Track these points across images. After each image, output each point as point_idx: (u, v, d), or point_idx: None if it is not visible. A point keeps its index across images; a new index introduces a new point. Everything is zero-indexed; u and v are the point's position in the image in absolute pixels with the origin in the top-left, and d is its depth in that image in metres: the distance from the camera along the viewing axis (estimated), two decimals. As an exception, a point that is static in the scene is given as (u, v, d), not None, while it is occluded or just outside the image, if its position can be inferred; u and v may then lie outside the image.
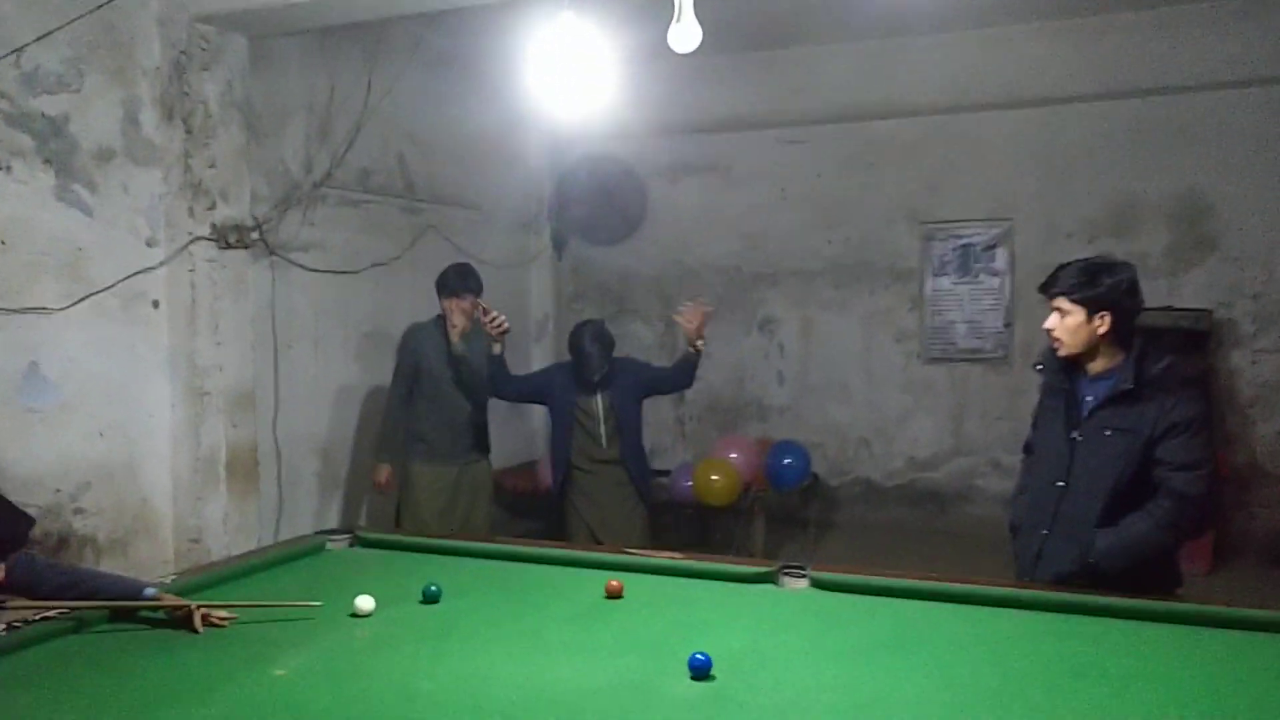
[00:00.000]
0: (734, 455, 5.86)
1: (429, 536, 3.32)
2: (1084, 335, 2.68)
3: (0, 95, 3.70)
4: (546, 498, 5.10)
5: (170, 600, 2.46)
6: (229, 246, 4.47)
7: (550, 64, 3.12)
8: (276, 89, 5.01)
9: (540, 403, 4.68)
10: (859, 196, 6.84)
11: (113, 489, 4.17)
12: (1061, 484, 2.70)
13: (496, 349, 4.30)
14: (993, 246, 6.57)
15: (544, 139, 7.21)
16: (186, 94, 4.34)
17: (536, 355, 7.21)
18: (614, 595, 2.61)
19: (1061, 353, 2.74)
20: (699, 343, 4.49)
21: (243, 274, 4.57)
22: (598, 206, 7.29)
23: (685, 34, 2.76)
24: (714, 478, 5.66)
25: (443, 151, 6.25)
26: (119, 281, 4.14)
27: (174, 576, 2.78)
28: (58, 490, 3.94)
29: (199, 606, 2.44)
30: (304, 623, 2.45)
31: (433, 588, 2.61)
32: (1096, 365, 2.72)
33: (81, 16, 3.89)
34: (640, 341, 7.43)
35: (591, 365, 4.29)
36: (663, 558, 2.89)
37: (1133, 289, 2.67)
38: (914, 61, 6.20)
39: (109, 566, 4.12)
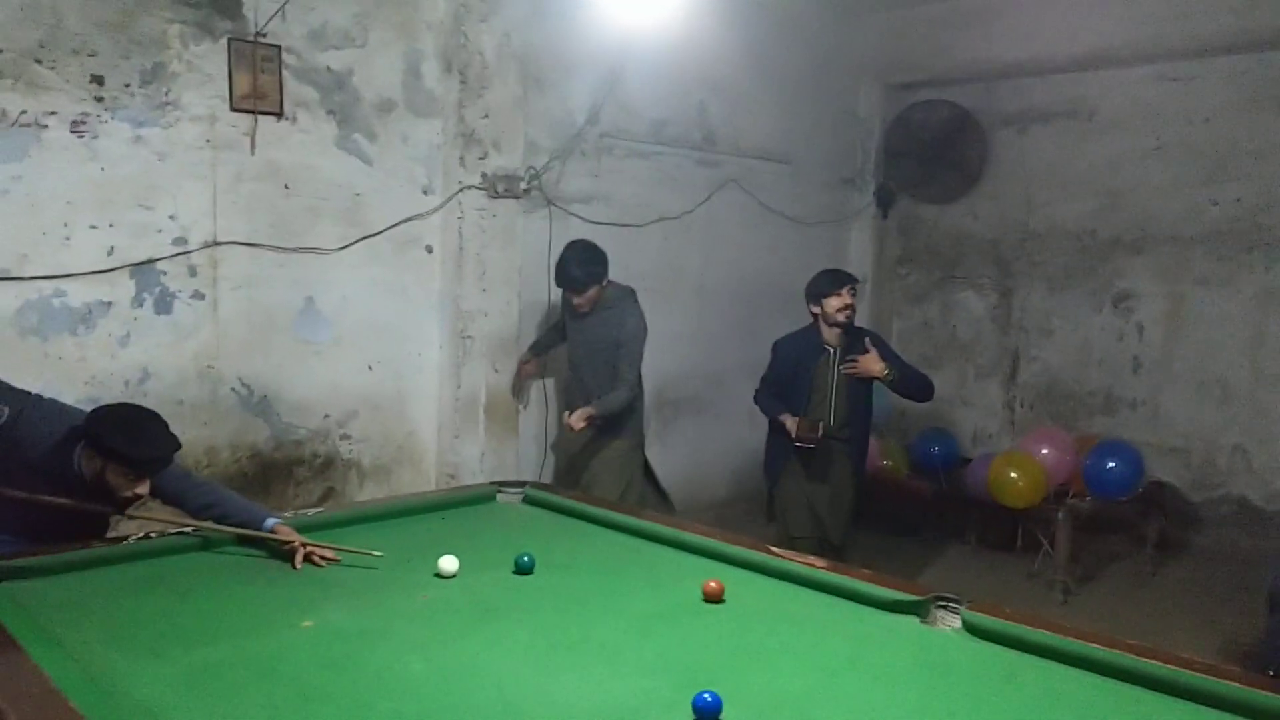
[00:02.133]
0: (1044, 451, 4.99)
1: (592, 502, 3.12)
2: None
3: (288, 51, 4.04)
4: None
5: (283, 534, 2.53)
6: (499, 196, 4.58)
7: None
8: (563, 38, 5.01)
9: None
10: (1259, 144, 5.45)
11: (379, 419, 4.49)
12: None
13: None
14: None
15: (873, 85, 6.61)
16: (464, 45, 4.47)
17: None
18: (712, 599, 2.25)
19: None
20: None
21: (512, 223, 4.67)
22: (931, 159, 6.56)
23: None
24: (1013, 474, 4.86)
25: (751, 100, 5.94)
26: (390, 227, 4.40)
27: (319, 510, 2.87)
28: (326, 416, 4.31)
29: (304, 544, 2.48)
30: (388, 573, 2.40)
31: (525, 559, 2.43)
32: None
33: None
34: (970, 312, 6.63)
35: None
36: (802, 563, 2.44)
37: None
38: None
39: (372, 490, 4.47)
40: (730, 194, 5.89)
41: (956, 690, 1.82)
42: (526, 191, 4.73)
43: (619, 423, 4.30)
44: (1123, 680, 1.86)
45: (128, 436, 2.47)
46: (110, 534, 2.68)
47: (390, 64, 4.37)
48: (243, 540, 2.55)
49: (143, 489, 2.52)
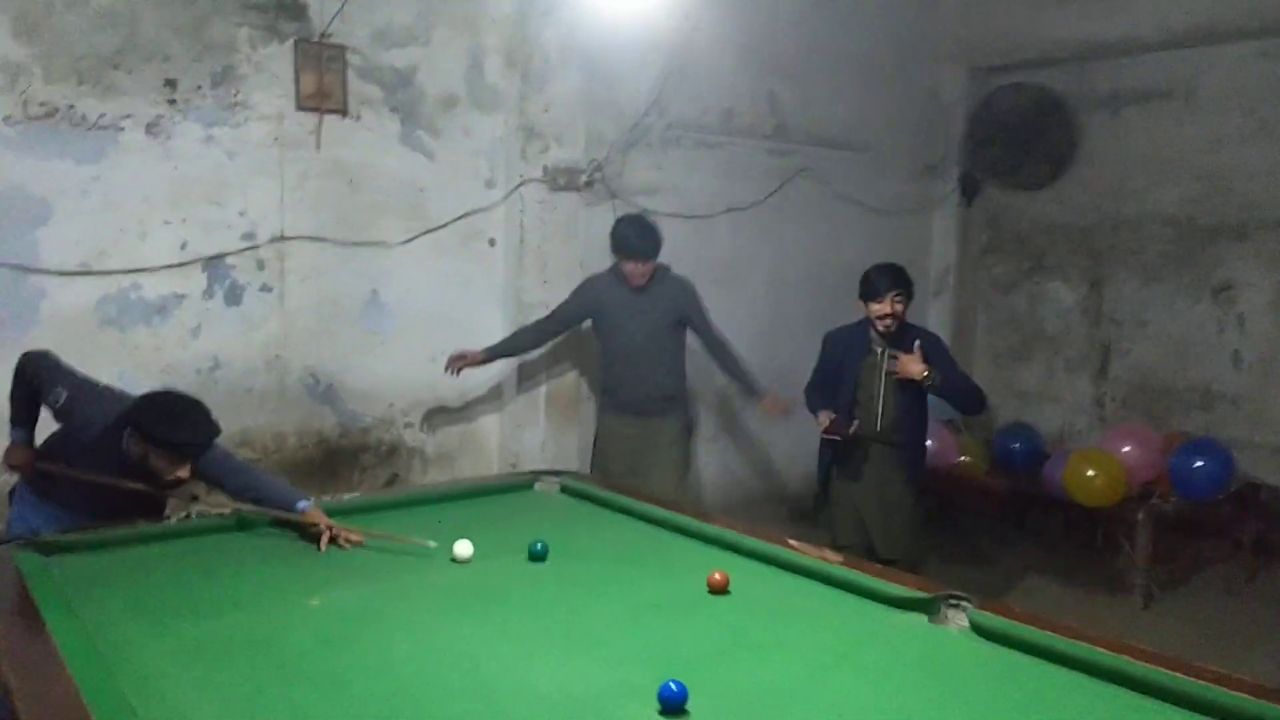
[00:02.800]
0: (1126, 449, 4.75)
1: (628, 493, 3.12)
2: None
3: (353, 51, 4.16)
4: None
5: (312, 517, 2.62)
6: (560, 189, 4.62)
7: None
8: (628, 29, 4.97)
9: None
10: (1377, 123, 5.07)
11: (442, 409, 4.59)
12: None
13: None
14: None
15: (956, 68, 6.39)
16: (526, 40, 4.52)
17: (933, 311, 6.52)
18: (716, 590, 2.23)
19: None
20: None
21: (574, 216, 4.70)
22: (1018, 145, 6.29)
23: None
24: (1090, 473, 4.64)
25: (825, 88, 5.81)
26: (453, 220, 4.49)
27: (353, 495, 2.96)
28: (391, 405, 4.43)
29: (331, 527, 2.57)
30: (403, 557, 2.46)
31: (538, 545, 2.46)
32: None
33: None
34: (1059, 304, 6.35)
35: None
36: (816, 556, 2.40)
37: None
38: None
39: (435, 476, 4.57)
40: (804, 184, 5.78)
41: (946, 691, 1.77)
42: (588, 184, 4.76)
43: (672, 406, 4.28)
44: (1126, 687, 1.76)
45: (169, 423, 2.59)
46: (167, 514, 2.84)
47: (453, 60, 4.45)
48: (276, 522, 2.66)
49: (184, 472, 2.65)
